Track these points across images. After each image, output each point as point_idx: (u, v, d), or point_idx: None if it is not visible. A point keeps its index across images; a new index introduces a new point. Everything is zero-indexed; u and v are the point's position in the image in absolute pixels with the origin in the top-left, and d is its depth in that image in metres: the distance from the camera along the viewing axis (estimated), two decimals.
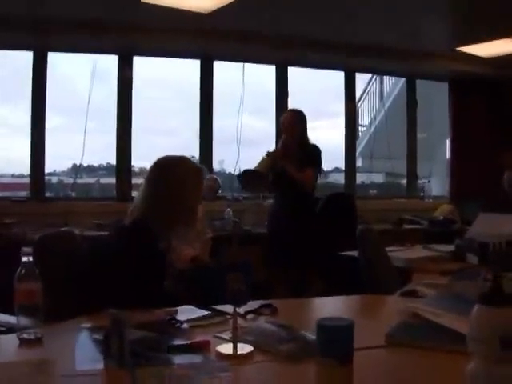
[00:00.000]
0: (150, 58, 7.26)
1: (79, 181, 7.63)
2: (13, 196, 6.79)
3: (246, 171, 5.55)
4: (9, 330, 1.98)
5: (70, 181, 7.55)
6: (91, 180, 8.18)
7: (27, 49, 6.71)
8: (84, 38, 6.31)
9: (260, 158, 5.43)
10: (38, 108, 6.71)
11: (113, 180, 7.15)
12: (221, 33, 6.34)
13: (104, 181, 8.06)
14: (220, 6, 5.24)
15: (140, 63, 7.11)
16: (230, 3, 5.16)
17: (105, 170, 8.23)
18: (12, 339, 1.91)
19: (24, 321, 1.89)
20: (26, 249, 1.91)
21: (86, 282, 2.46)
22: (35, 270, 1.90)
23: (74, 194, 7.50)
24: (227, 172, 7.96)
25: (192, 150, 7.68)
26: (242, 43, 6.65)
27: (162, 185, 2.68)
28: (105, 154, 7.42)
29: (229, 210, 6.58)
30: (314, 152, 5.61)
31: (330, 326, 1.37)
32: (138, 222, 2.62)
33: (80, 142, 6.84)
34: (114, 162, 7.12)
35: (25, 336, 1.89)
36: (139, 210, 2.67)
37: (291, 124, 5.60)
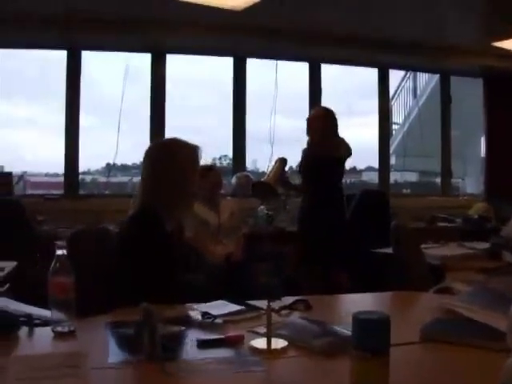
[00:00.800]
0: (183, 56, 7.28)
1: (113, 179, 7.69)
2: (46, 194, 6.85)
3: (255, 183, 5.61)
4: (44, 322, 2.00)
5: (104, 179, 7.61)
6: (125, 179, 8.23)
7: (60, 48, 6.78)
8: (117, 36, 6.35)
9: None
10: (71, 107, 6.77)
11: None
12: (253, 30, 6.33)
13: (137, 179, 8.10)
14: (252, 3, 5.22)
15: (173, 61, 7.13)
16: (262, 0, 5.15)
17: (138, 168, 8.27)
18: (46, 332, 1.93)
19: (58, 314, 1.91)
20: (59, 243, 1.92)
21: (112, 276, 2.47)
22: (69, 264, 1.92)
23: (107, 193, 7.56)
24: (260, 171, 7.95)
25: (225, 149, 7.71)
26: (275, 40, 6.64)
27: (159, 169, 2.71)
28: (138, 152, 7.44)
29: (262, 207, 6.56)
30: (346, 146, 5.53)
31: (366, 319, 1.36)
32: (142, 210, 2.65)
33: (113, 142, 6.91)
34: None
35: (59, 329, 1.91)
36: (141, 198, 2.70)
37: (312, 120, 5.54)
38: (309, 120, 5.56)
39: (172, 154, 2.73)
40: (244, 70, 7.38)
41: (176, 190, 2.68)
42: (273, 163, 5.53)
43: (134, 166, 8.22)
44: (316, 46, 6.97)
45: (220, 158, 8.36)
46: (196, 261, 4.79)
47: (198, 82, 7.73)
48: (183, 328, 1.88)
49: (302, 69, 7.65)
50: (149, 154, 2.78)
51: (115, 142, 6.90)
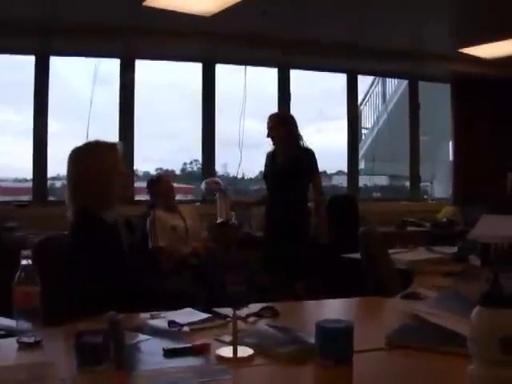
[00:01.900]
0: (152, 62, 7.26)
1: None
2: (15, 200, 6.78)
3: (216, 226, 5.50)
4: (8, 333, 1.98)
5: None
6: None
7: (29, 53, 6.72)
8: (86, 41, 6.30)
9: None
10: (40, 112, 6.71)
11: None
12: (222, 36, 6.33)
13: None
14: (222, 8, 5.23)
15: (142, 67, 7.11)
16: (231, 6, 5.16)
17: None
18: (11, 343, 1.91)
19: (23, 324, 1.89)
20: (25, 252, 1.90)
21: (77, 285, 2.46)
22: (35, 274, 1.90)
23: None
24: (231, 175, 7.95)
25: (195, 154, 7.70)
26: (244, 46, 6.65)
27: (78, 170, 2.81)
28: None
29: (232, 212, 6.53)
30: (306, 157, 5.43)
31: (329, 327, 1.37)
32: (76, 213, 2.73)
33: None
34: None
35: (24, 340, 1.89)
36: (72, 205, 2.76)
37: (273, 127, 5.48)
38: (268, 126, 5.53)
39: (94, 155, 2.84)
40: (213, 76, 7.37)
41: (101, 189, 2.75)
42: (239, 170, 5.59)
43: None
44: (285, 52, 6.99)
45: (191, 163, 8.35)
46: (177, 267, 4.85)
47: (167, 87, 7.72)
48: (150, 337, 1.87)
49: (271, 73, 7.69)
50: (72, 157, 2.85)
51: None
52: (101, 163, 2.80)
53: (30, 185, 6.92)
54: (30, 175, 6.86)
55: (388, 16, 5.95)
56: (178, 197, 6.10)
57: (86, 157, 2.83)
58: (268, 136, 5.50)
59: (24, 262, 1.90)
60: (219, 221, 5.16)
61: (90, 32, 6.05)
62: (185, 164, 8.51)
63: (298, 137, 5.46)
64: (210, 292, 4.26)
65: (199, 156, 7.54)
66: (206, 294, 4.25)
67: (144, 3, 5.00)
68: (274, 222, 5.42)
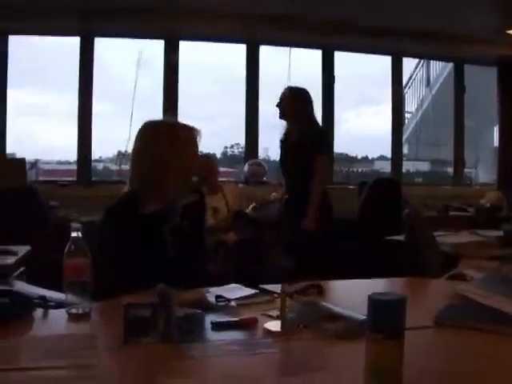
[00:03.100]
0: (196, 43, 7.27)
1: (124, 167, 7.70)
2: (59, 180, 6.88)
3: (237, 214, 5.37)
4: (58, 305, 2.01)
5: (116, 167, 7.63)
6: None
7: (74, 35, 6.79)
8: (130, 23, 6.35)
9: None
10: (84, 95, 6.80)
11: None
12: (266, 17, 6.31)
13: None
14: None
15: (186, 48, 7.13)
16: None
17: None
18: (61, 314, 1.94)
19: (73, 296, 1.92)
20: (74, 225, 1.92)
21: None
22: (84, 246, 1.92)
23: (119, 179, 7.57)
24: (271, 159, 7.94)
25: (237, 137, 7.70)
26: (288, 28, 6.61)
27: (136, 151, 2.64)
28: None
29: (274, 194, 6.54)
30: (319, 136, 5.08)
31: (382, 299, 1.36)
32: (121, 198, 2.60)
33: (125, 129, 6.91)
34: None
35: (73, 311, 1.92)
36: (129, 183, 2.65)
37: (285, 103, 5.10)
38: (281, 101, 5.14)
39: (174, 135, 2.63)
40: (257, 57, 7.35)
41: (153, 166, 2.56)
42: None
43: None
44: (330, 34, 6.93)
45: (232, 147, 8.36)
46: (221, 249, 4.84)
47: (210, 69, 7.71)
48: (198, 311, 1.88)
49: (315, 56, 7.63)
50: (145, 132, 2.67)
51: (127, 129, 6.92)
52: (157, 144, 2.59)
53: (72, 167, 7.02)
54: (73, 157, 6.96)
55: None
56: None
57: (146, 136, 2.66)
58: (280, 117, 5.14)
59: (74, 234, 1.92)
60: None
61: (135, 13, 6.08)
62: (226, 147, 8.53)
63: (310, 115, 5.12)
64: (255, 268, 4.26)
65: (240, 140, 7.55)
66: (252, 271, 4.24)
67: None
68: (289, 209, 5.09)
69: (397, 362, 1.34)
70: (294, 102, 5.05)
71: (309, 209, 4.82)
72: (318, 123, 5.25)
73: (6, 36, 6.69)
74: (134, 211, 2.48)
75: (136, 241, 2.35)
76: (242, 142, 7.54)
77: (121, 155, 7.52)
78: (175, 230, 2.56)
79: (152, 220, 2.48)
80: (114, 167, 7.83)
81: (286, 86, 5.26)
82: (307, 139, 4.91)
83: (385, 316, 1.34)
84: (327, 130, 5.30)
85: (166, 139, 2.59)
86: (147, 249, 2.35)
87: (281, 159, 5.27)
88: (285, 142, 5.15)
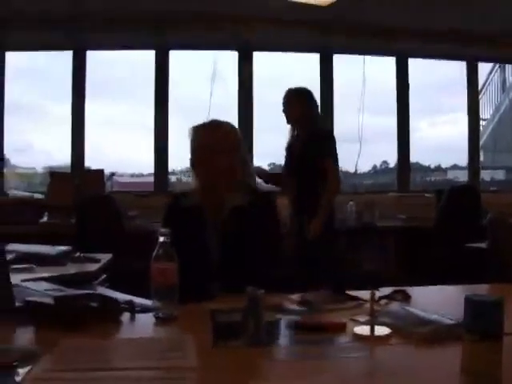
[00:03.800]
0: (269, 54, 7.32)
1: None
2: (136, 191, 7.02)
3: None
4: (145, 309, 2.03)
5: (189, 179, 7.72)
6: None
7: (149, 48, 6.92)
8: (203, 34, 6.43)
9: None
10: (160, 107, 6.93)
11: None
12: (340, 25, 6.29)
13: None
14: None
15: (258, 59, 7.19)
16: None
17: None
18: (148, 318, 1.97)
19: (160, 300, 1.94)
20: (162, 230, 1.94)
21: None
22: (172, 251, 1.94)
23: None
24: (343, 170, 7.89)
25: None
26: (361, 35, 6.58)
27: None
28: None
29: (352, 203, 6.50)
30: (325, 139, 4.82)
31: (479, 300, 1.32)
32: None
33: None
34: None
35: (161, 315, 1.94)
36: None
37: (288, 104, 4.90)
38: (285, 102, 4.95)
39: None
40: (331, 66, 7.33)
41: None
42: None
43: None
44: (403, 41, 6.87)
45: None
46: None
47: (282, 80, 7.72)
48: (285, 315, 1.88)
49: (389, 63, 7.59)
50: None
51: None
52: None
53: (147, 179, 7.17)
54: (147, 170, 7.09)
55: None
56: None
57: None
58: (287, 122, 4.95)
59: (162, 238, 1.94)
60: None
61: (209, 24, 6.16)
62: None
63: (315, 117, 4.94)
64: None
65: None
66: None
67: None
68: (296, 214, 4.86)
69: (495, 364, 1.31)
70: (298, 104, 4.87)
71: (318, 216, 4.65)
72: (323, 125, 5.09)
73: (84, 51, 6.90)
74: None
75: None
76: None
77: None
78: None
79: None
80: (185, 179, 7.93)
81: (288, 88, 5.02)
82: (315, 142, 4.74)
83: (483, 317, 1.31)
84: (331, 131, 5.11)
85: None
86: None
87: (286, 164, 5.04)
88: (291, 147, 4.96)
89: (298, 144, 4.85)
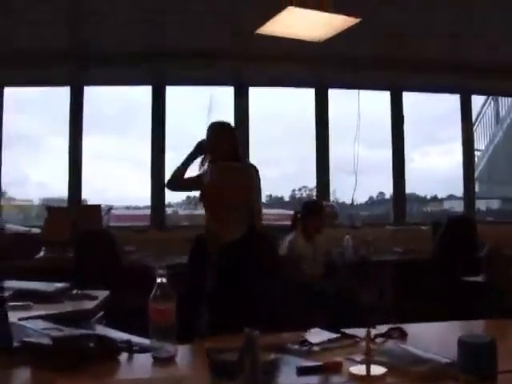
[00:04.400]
0: (264, 89, 7.39)
1: (195, 212, 7.81)
2: (133, 226, 7.04)
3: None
4: (143, 349, 2.04)
5: (185, 212, 7.77)
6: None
7: (145, 84, 7.00)
8: (199, 69, 6.51)
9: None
10: (157, 143, 7.01)
11: None
12: (334, 60, 6.34)
13: None
14: (333, 34, 5.25)
15: (254, 94, 7.26)
16: (343, 30, 5.17)
17: None
18: (146, 358, 1.96)
19: (158, 340, 1.95)
20: (160, 270, 1.96)
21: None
22: (170, 291, 1.96)
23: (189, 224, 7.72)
24: (340, 201, 7.92)
25: (303, 180, 7.74)
26: (356, 69, 6.64)
27: None
28: None
29: (348, 237, 6.53)
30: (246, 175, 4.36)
31: (472, 341, 1.34)
32: None
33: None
34: None
35: (159, 355, 1.94)
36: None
37: (214, 139, 4.48)
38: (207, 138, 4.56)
39: None
40: (326, 100, 7.42)
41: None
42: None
43: None
44: (397, 73, 6.94)
45: (300, 190, 8.38)
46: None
47: (279, 114, 7.77)
48: (282, 355, 1.89)
49: (383, 97, 7.67)
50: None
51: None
52: None
53: (142, 212, 7.24)
54: (143, 203, 7.13)
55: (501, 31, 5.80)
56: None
57: None
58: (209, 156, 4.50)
59: (159, 280, 1.95)
60: None
61: (206, 60, 6.23)
62: (293, 190, 8.54)
63: (235, 152, 4.47)
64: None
65: (308, 182, 7.60)
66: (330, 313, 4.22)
67: (257, 31, 5.09)
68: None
69: None
70: (217, 137, 4.49)
71: None
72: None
73: (82, 86, 6.97)
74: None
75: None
76: (310, 184, 7.59)
77: (189, 200, 7.65)
78: None
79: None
80: (182, 212, 7.94)
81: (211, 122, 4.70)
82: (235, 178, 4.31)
83: (476, 358, 1.32)
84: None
85: None
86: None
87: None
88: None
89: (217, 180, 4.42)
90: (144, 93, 7.07)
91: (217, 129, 4.52)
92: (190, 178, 4.41)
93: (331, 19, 4.97)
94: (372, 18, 5.28)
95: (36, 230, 6.32)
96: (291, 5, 4.28)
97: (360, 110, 7.25)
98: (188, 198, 7.68)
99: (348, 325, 2.32)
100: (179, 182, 4.44)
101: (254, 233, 2.77)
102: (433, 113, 8.43)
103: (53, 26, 5.56)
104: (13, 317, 2.28)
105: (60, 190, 7.10)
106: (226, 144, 4.29)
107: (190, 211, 7.65)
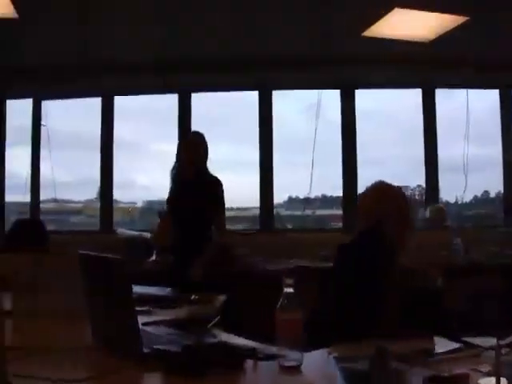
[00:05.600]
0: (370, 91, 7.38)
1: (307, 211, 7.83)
2: (241, 229, 7.21)
3: None
4: (266, 357, 2.06)
5: (287, 213, 7.83)
6: (308, 212, 8.32)
7: (252, 89, 7.14)
8: (304, 72, 6.56)
9: None
10: (265, 145, 7.15)
11: (326, 212, 7.67)
12: (442, 60, 6.24)
13: (319, 212, 8.15)
14: (440, 33, 5.19)
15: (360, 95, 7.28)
16: (451, 30, 5.11)
17: (320, 201, 8.31)
18: (272, 366, 1.98)
19: (284, 349, 1.97)
20: (288, 280, 1.99)
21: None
22: (297, 302, 1.97)
23: (289, 226, 7.77)
24: (443, 200, 7.77)
25: (411, 180, 7.67)
26: (461, 68, 6.49)
27: None
28: (320, 186, 7.59)
29: (458, 239, 6.34)
30: (218, 188, 4.77)
31: None
32: None
33: (298, 176, 7.23)
34: (329, 193, 7.62)
35: (285, 363, 1.96)
36: None
37: (191, 148, 4.72)
38: (184, 146, 4.84)
39: None
40: (433, 100, 7.32)
41: None
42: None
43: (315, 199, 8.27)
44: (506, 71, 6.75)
45: (413, 189, 8.27)
46: None
47: (387, 114, 7.72)
48: (407, 365, 1.89)
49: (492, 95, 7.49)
50: None
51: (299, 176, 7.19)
52: None
53: (249, 213, 7.41)
54: (246, 204, 7.24)
55: None
56: None
57: None
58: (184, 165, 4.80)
59: (287, 289, 1.98)
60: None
61: (308, 63, 6.28)
62: (407, 188, 8.45)
63: (203, 163, 4.77)
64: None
65: (415, 182, 7.53)
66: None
67: (364, 34, 5.10)
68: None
69: None
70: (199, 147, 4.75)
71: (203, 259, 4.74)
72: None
73: (189, 92, 7.19)
74: None
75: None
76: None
77: (291, 201, 7.72)
78: None
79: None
80: (283, 213, 7.98)
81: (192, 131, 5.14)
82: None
83: None
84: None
85: None
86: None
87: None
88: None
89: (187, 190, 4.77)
90: (251, 97, 7.24)
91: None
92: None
93: (439, 19, 4.94)
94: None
95: (147, 235, 6.50)
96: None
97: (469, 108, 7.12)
98: (290, 197, 7.76)
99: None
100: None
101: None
102: None
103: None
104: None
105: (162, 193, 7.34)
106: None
107: (291, 212, 7.73)
